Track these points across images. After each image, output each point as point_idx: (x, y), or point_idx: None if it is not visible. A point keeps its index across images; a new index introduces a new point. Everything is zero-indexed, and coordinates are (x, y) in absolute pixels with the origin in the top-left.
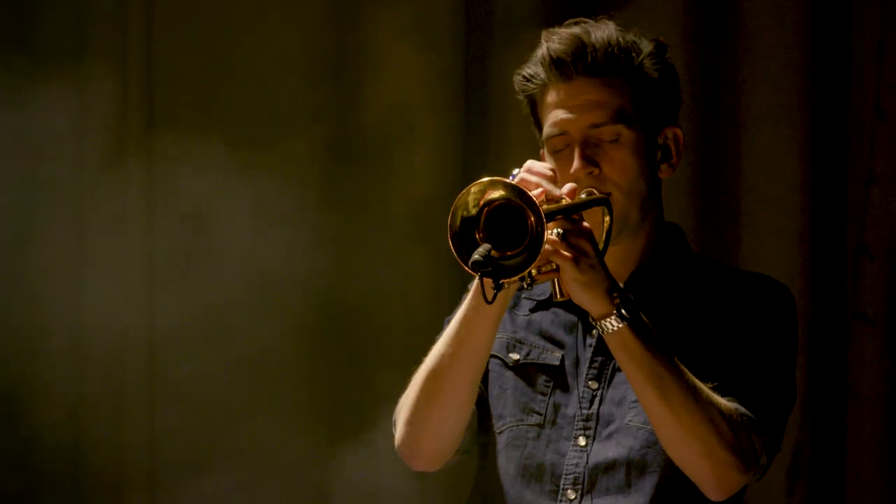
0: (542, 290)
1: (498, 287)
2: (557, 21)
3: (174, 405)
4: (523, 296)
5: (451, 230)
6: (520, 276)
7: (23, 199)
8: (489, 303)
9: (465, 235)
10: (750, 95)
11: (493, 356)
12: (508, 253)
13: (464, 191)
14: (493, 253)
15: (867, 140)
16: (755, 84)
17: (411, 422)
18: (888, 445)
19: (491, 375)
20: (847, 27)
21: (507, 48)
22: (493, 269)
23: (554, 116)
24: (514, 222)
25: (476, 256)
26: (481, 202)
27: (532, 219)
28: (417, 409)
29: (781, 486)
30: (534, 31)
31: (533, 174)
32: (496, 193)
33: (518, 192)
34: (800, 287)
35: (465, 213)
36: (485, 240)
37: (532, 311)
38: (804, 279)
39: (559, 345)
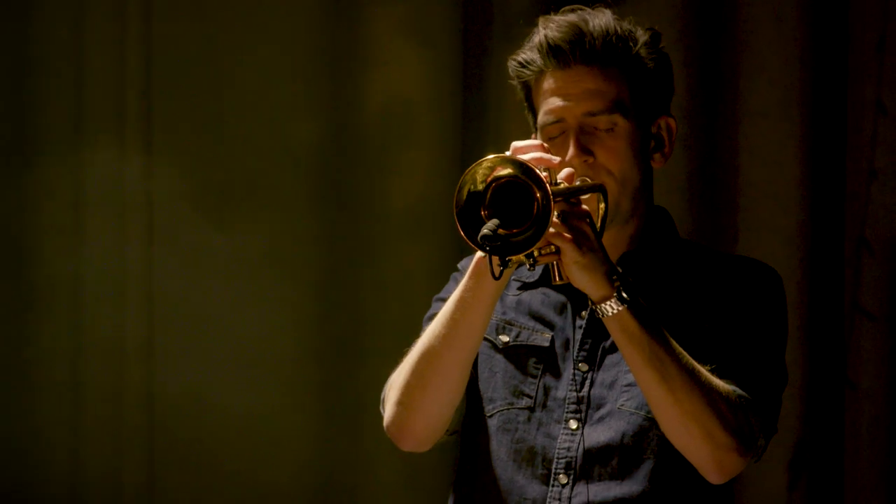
0: (531, 272)
1: (504, 264)
2: None
3: (172, 409)
4: (511, 276)
5: (456, 206)
6: (525, 252)
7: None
8: (497, 278)
9: (471, 211)
10: (748, 90)
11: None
12: (514, 230)
13: (472, 166)
14: (500, 230)
15: (868, 135)
16: (753, 79)
17: (402, 402)
18: (886, 438)
19: (480, 358)
20: (845, 22)
21: (505, 44)
22: (501, 245)
23: (550, 104)
24: (519, 200)
25: (485, 231)
26: (489, 178)
27: (539, 195)
28: (408, 389)
29: (782, 479)
30: (532, 27)
31: (528, 151)
32: (504, 171)
33: (525, 170)
34: (798, 281)
35: (472, 187)
36: (490, 217)
37: (520, 290)
38: (802, 274)
39: (549, 325)
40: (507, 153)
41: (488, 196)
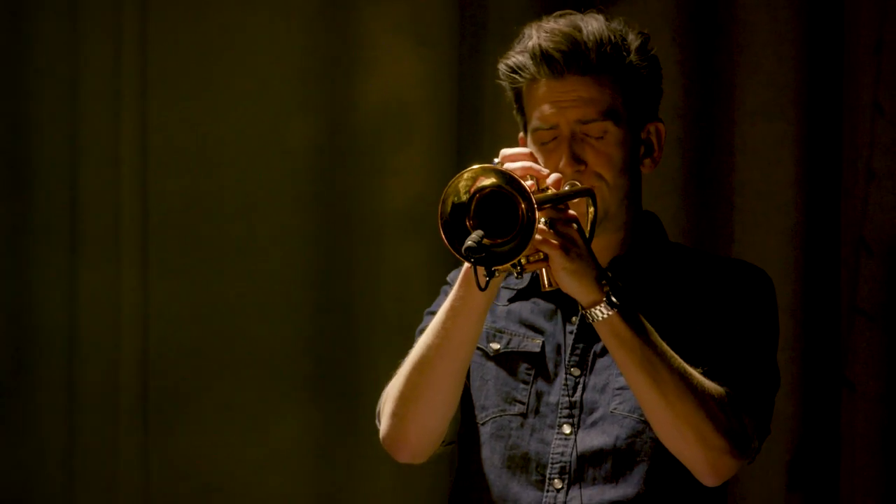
0: (520, 280)
1: (490, 274)
2: None
3: (166, 401)
4: (501, 286)
5: (441, 218)
6: (511, 262)
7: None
8: (482, 289)
9: (456, 223)
10: (743, 91)
11: None
12: (499, 240)
13: (454, 178)
14: (485, 240)
15: (866, 136)
16: (748, 79)
17: (396, 414)
18: (883, 439)
19: (472, 367)
20: (840, 22)
21: (502, 44)
22: (486, 256)
23: (543, 111)
24: (504, 209)
25: (469, 242)
26: (472, 189)
27: (523, 205)
28: (403, 401)
29: (781, 480)
30: (523, 26)
31: (517, 160)
32: (487, 181)
33: (509, 179)
34: (794, 282)
35: (455, 199)
36: (475, 227)
37: (511, 300)
38: (798, 274)
39: (539, 332)
40: (496, 160)
41: (472, 207)
